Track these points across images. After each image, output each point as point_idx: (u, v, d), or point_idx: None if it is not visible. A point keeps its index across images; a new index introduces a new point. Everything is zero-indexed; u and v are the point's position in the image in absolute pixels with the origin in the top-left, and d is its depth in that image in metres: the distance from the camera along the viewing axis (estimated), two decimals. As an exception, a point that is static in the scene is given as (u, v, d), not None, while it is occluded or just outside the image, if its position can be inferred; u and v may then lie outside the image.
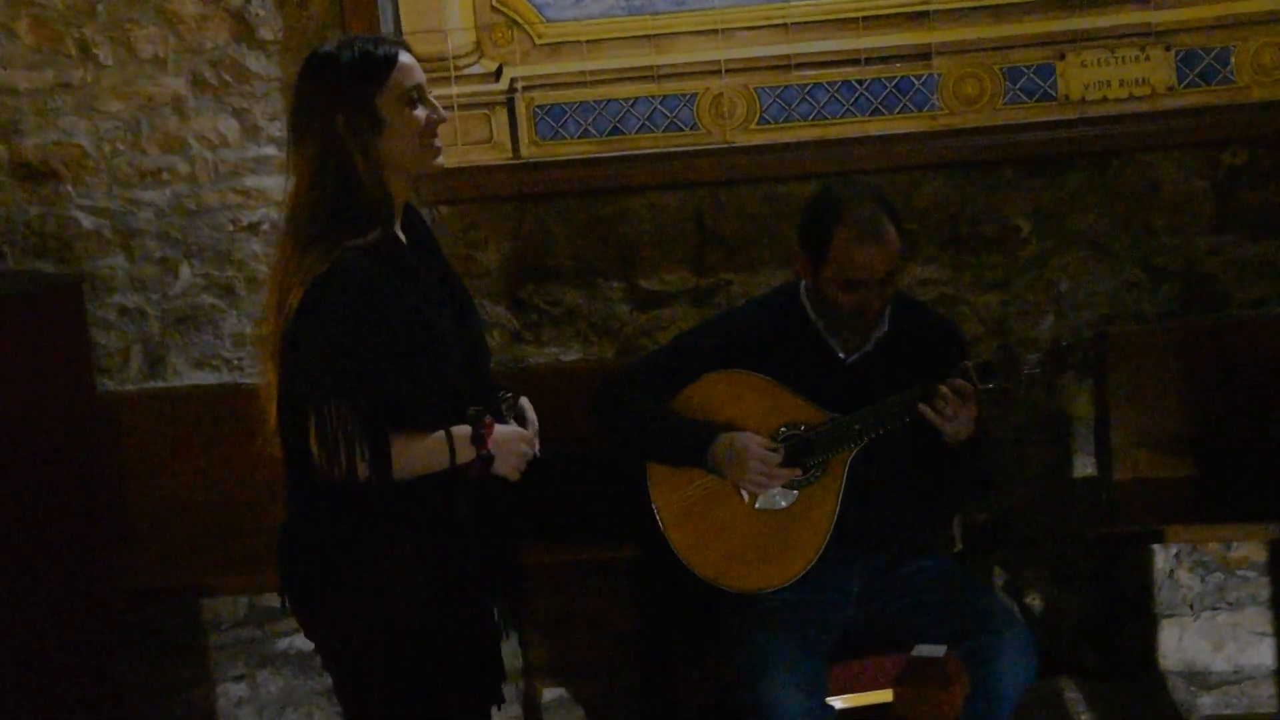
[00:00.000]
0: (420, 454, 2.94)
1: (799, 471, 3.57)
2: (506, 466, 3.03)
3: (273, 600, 4.70)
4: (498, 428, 3.01)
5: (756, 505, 3.61)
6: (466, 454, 2.97)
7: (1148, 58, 4.28)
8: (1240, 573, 4.48)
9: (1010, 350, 3.53)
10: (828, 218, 3.55)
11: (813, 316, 3.67)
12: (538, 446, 3.11)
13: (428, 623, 3.00)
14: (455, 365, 3.01)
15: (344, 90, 2.93)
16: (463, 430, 2.96)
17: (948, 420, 3.46)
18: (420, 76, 3.01)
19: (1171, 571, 4.49)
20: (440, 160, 3.04)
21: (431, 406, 2.95)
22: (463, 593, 3.05)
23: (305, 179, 2.95)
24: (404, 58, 2.99)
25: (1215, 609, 4.49)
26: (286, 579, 3.08)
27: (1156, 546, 4.43)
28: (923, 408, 3.46)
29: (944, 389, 3.45)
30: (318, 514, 2.99)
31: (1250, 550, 4.46)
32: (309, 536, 3.02)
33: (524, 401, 3.17)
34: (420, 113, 2.98)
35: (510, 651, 4.61)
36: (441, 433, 2.95)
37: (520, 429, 3.08)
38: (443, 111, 3.03)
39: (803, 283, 3.69)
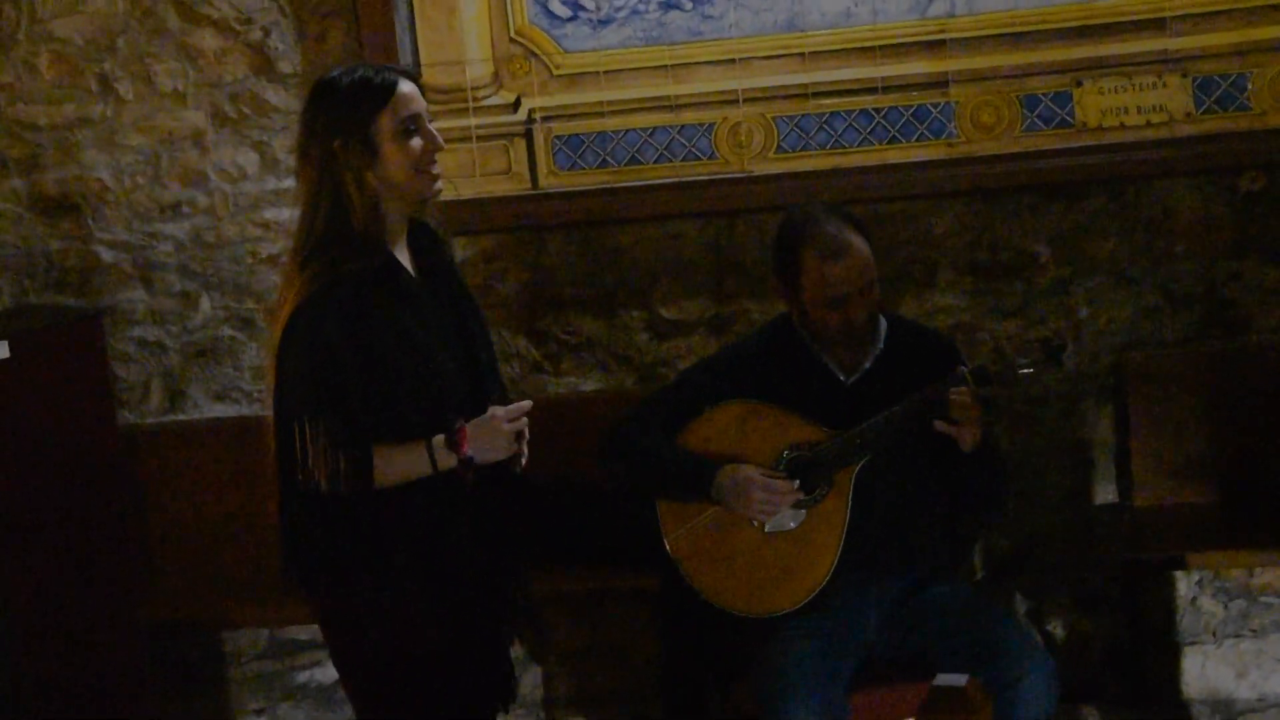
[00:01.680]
0: (399, 462, 2.98)
1: (802, 493, 3.58)
2: (493, 451, 3.03)
3: (293, 633, 4.71)
4: (469, 424, 3.01)
5: (766, 529, 3.62)
6: (447, 460, 2.98)
7: (1165, 85, 4.28)
8: (1263, 599, 4.45)
9: (1003, 354, 3.55)
10: (793, 243, 3.60)
11: (808, 342, 3.69)
12: (520, 417, 3.08)
13: (429, 633, 3.03)
14: (448, 385, 3.03)
15: (341, 116, 2.98)
16: (441, 437, 2.98)
17: (961, 427, 3.47)
18: (419, 106, 3.03)
19: (1194, 599, 4.47)
20: (438, 187, 3.07)
21: (421, 420, 2.98)
22: (463, 605, 3.07)
23: (304, 203, 3.01)
24: (404, 86, 3.02)
25: (1239, 636, 4.47)
26: (299, 580, 3.11)
27: (1179, 573, 4.41)
28: (937, 424, 3.47)
29: (954, 396, 3.46)
30: (313, 531, 3.02)
31: (1273, 577, 4.44)
32: (307, 551, 3.04)
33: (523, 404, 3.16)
34: (416, 142, 3.01)
35: (531, 683, 4.63)
36: (420, 441, 2.97)
37: (492, 410, 3.07)
38: (440, 140, 3.06)
39: (793, 312, 3.71)
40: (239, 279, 4.64)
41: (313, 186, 3.00)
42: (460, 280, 3.25)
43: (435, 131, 3.06)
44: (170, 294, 4.67)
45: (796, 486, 3.58)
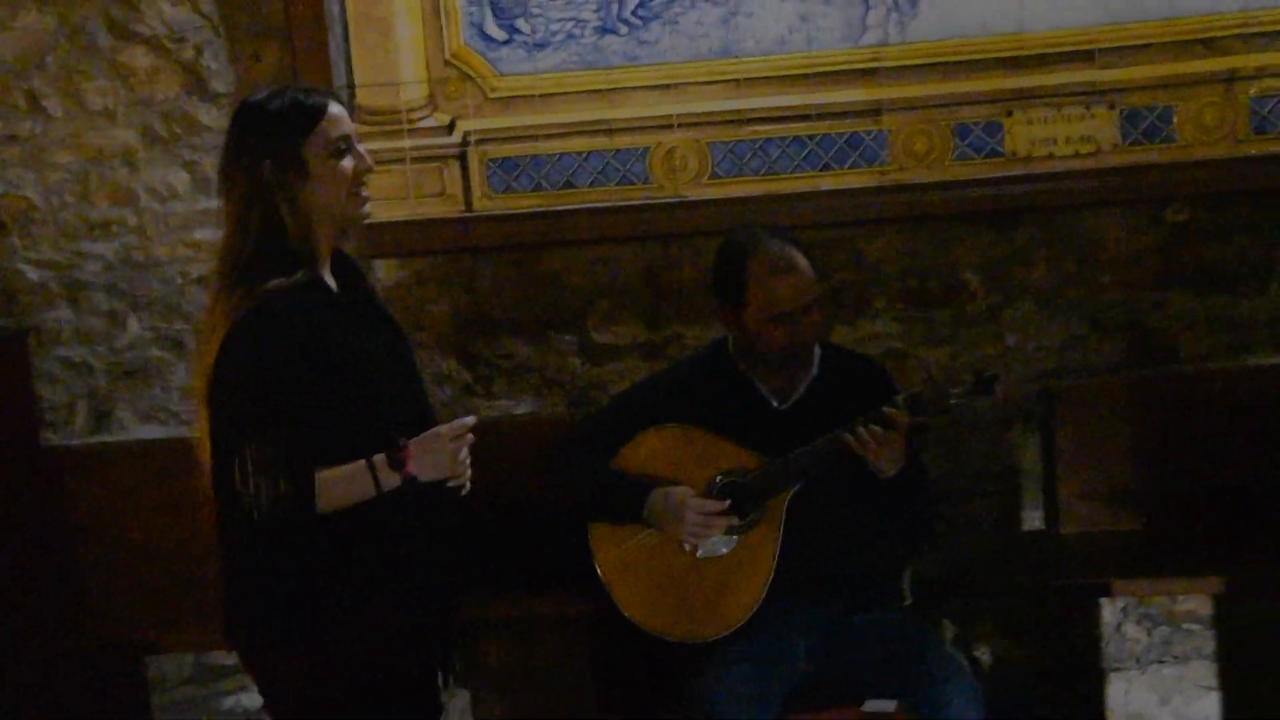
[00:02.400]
0: (341, 485, 2.94)
1: (736, 518, 3.59)
2: (436, 469, 3.00)
3: (219, 658, 4.66)
4: (413, 442, 2.99)
5: (698, 555, 3.63)
6: (390, 479, 2.96)
7: (1093, 116, 4.34)
8: (1186, 626, 4.50)
9: (935, 383, 3.58)
10: (738, 261, 3.63)
11: (743, 368, 3.71)
12: (463, 434, 3.06)
13: (366, 666, 3.00)
14: (385, 402, 3.01)
15: (272, 138, 2.96)
16: (383, 456, 2.96)
17: (871, 451, 3.49)
18: (349, 127, 3.03)
19: (1119, 625, 4.51)
20: (367, 209, 3.07)
21: (360, 444, 2.96)
22: (402, 635, 3.05)
23: (232, 225, 2.98)
24: (333, 108, 3.01)
25: (1162, 662, 4.51)
26: (231, 629, 3.07)
27: (1104, 600, 4.45)
28: (847, 438, 3.49)
29: (864, 426, 3.48)
30: (255, 559, 2.99)
31: (1195, 604, 4.49)
32: (248, 583, 3.01)
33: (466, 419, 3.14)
34: (347, 163, 3.01)
35: (460, 708, 4.60)
36: (362, 461, 2.94)
37: (436, 429, 3.04)
38: (370, 161, 3.06)
39: (730, 337, 3.72)
40: (168, 299, 4.59)
41: (240, 208, 2.97)
42: (383, 305, 3.23)
43: (365, 153, 3.05)
44: (98, 314, 4.62)
45: (728, 506, 3.59)
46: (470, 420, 3.07)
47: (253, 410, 2.89)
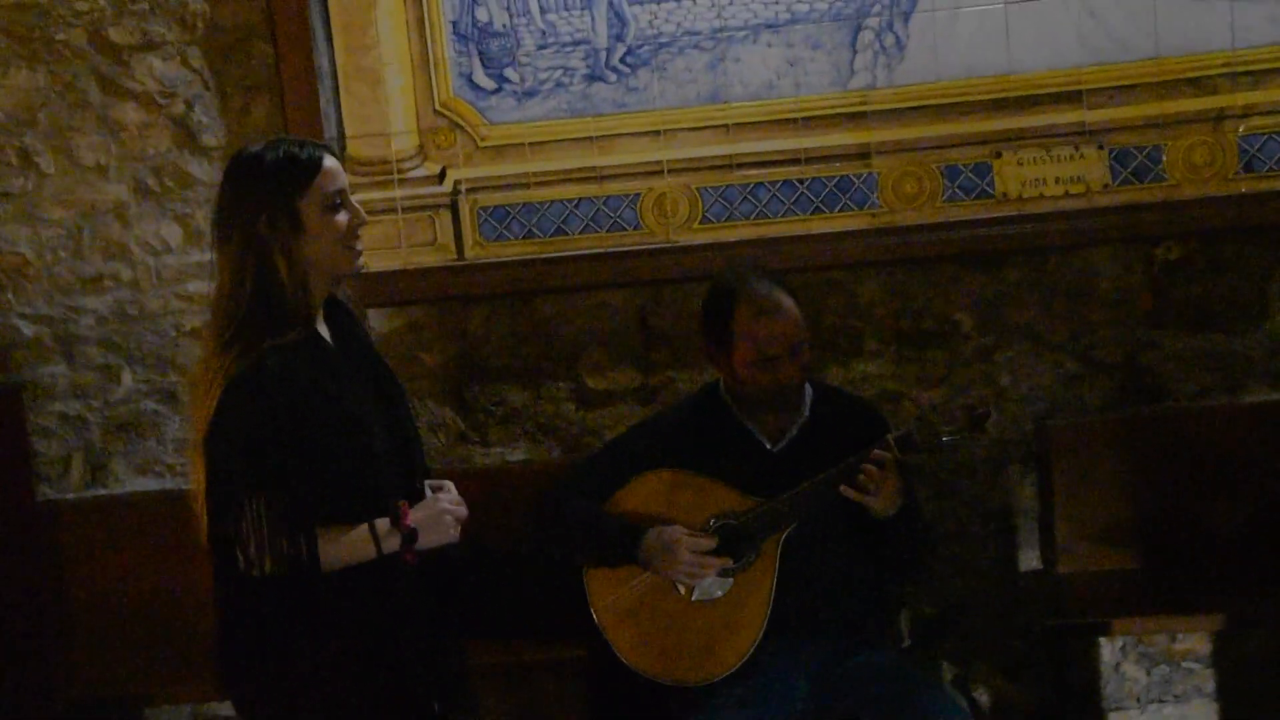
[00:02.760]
0: (344, 546, 2.96)
1: (730, 560, 3.58)
2: (438, 535, 3.04)
3: (216, 710, 4.65)
4: (414, 508, 3.02)
5: (693, 598, 3.62)
6: (391, 543, 2.97)
7: (1082, 156, 4.35)
8: (1185, 665, 4.49)
9: (926, 422, 3.58)
10: (725, 304, 3.64)
11: (735, 410, 3.71)
12: (462, 504, 3.11)
13: (361, 714, 2.99)
14: (383, 456, 3.02)
15: (267, 193, 2.96)
16: (385, 521, 2.98)
17: (871, 495, 3.49)
18: (343, 181, 3.04)
19: (1118, 664, 4.50)
20: (360, 262, 3.08)
21: (357, 500, 2.97)
22: (400, 685, 3.04)
23: (227, 279, 2.98)
24: (328, 162, 3.02)
25: (1162, 701, 4.50)
26: (226, 681, 3.07)
27: (1103, 639, 4.44)
28: (845, 489, 3.49)
29: (865, 466, 3.48)
30: (250, 614, 2.98)
31: (1195, 642, 4.48)
32: (243, 637, 3.01)
33: (444, 481, 3.18)
34: (342, 217, 3.01)
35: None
36: (364, 526, 2.96)
37: (437, 495, 3.09)
38: (364, 215, 3.07)
39: (721, 380, 3.72)
40: (162, 352, 4.60)
41: (235, 262, 2.97)
42: (377, 354, 3.24)
43: (359, 206, 3.06)
44: (92, 368, 4.63)
45: (720, 547, 3.58)
46: (450, 485, 3.13)
47: (251, 467, 2.89)
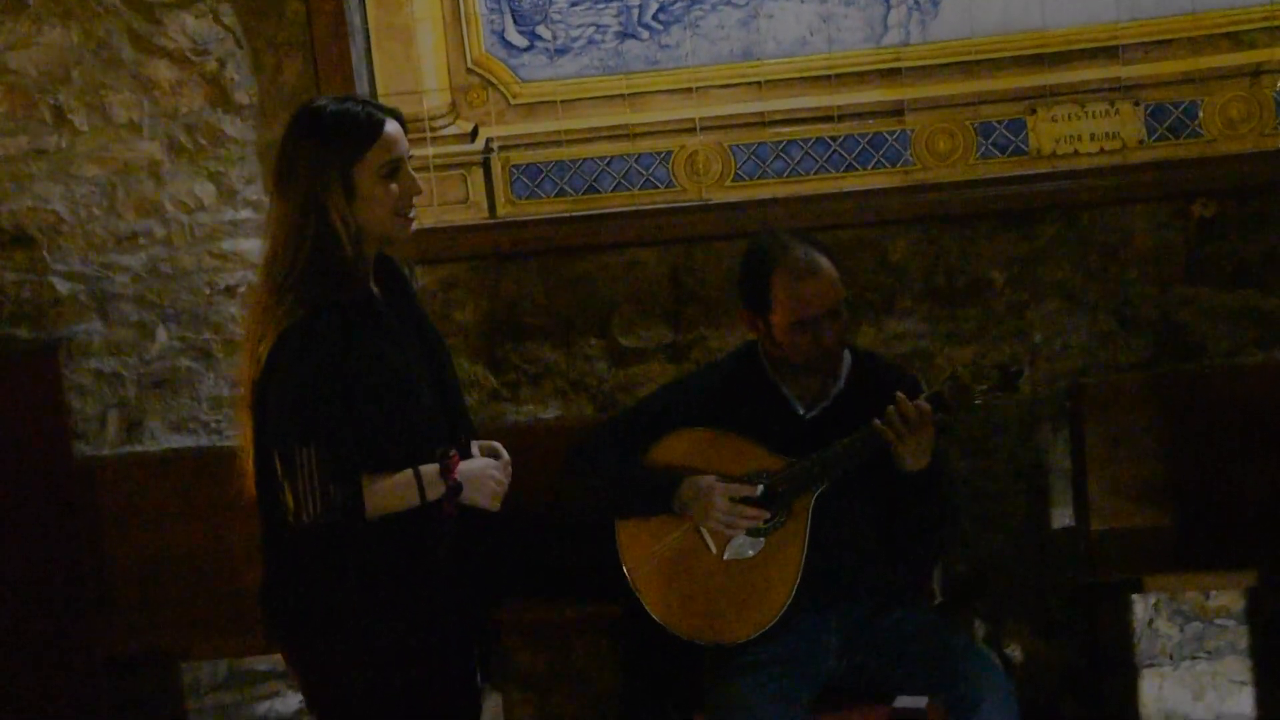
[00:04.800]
0: (390, 493, 2.99)
1: (765, 514, 3.58)
2: (480, 495, 3.07)
3: (253, 663, 4.69)
4: (464, 461, 3.04)
5: (725, 557, 3.62)
6: (436, 490, 3.00)
7: (1117, 112, 4.32)
8: (1219, 622, 4.49)
9: (959, 381, 3.56)
10: (763, 267, 3.61)
11: (771, 374, 3.70)
12: (509, 474, 3.14)
13: (408, 665, 3.04)
14: (427, 413, 3.04)
15: (326, 153, 2.96)
16: (431, 468, 3.00)
17: (900, 438, 3.47)
18: (402, 148, 3.03)
19: (1151, 621, 4.50)
20: (412, 230, 3.08)
21: (403, 453, 2.99)
22: (442, 634, 3.07)
23: (283, 236, 2.99)
24: (389, 128, 3.01)
25: (1195, 658, 4.50)
26: (273, 629, 3.10)
27: (1135, 596, 4.44)
28: (877, 424, 3.47)
29: (895, 404, 3.47)
30: (297, 562, 3.01)
31: (1228, 599, 4.48)
32: (290, 585, 3.04)
33: (496, 445, 3.21)
34: (395, 186, 3.01)
35: (492, 711, 4.61)
36: (409, 471, 2.98)
37: (489, 459, 3.12)
38: (420, 185, 3.06)
39: (760, 342, 3.72)
40: (196, 309, 4.62)
41: (292, 220, 2.97)
42: (423, 312, 3.26)
43: (415, 176, 3.06)
44: (127, 325, 4.65)
45: (760, 492, 3.58)
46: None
47: (302, 417, 2.91)
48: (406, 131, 3.08)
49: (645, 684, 3.77)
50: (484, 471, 3.10)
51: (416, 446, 3.02)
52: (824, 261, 3.59)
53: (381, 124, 3.01)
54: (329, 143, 2.97)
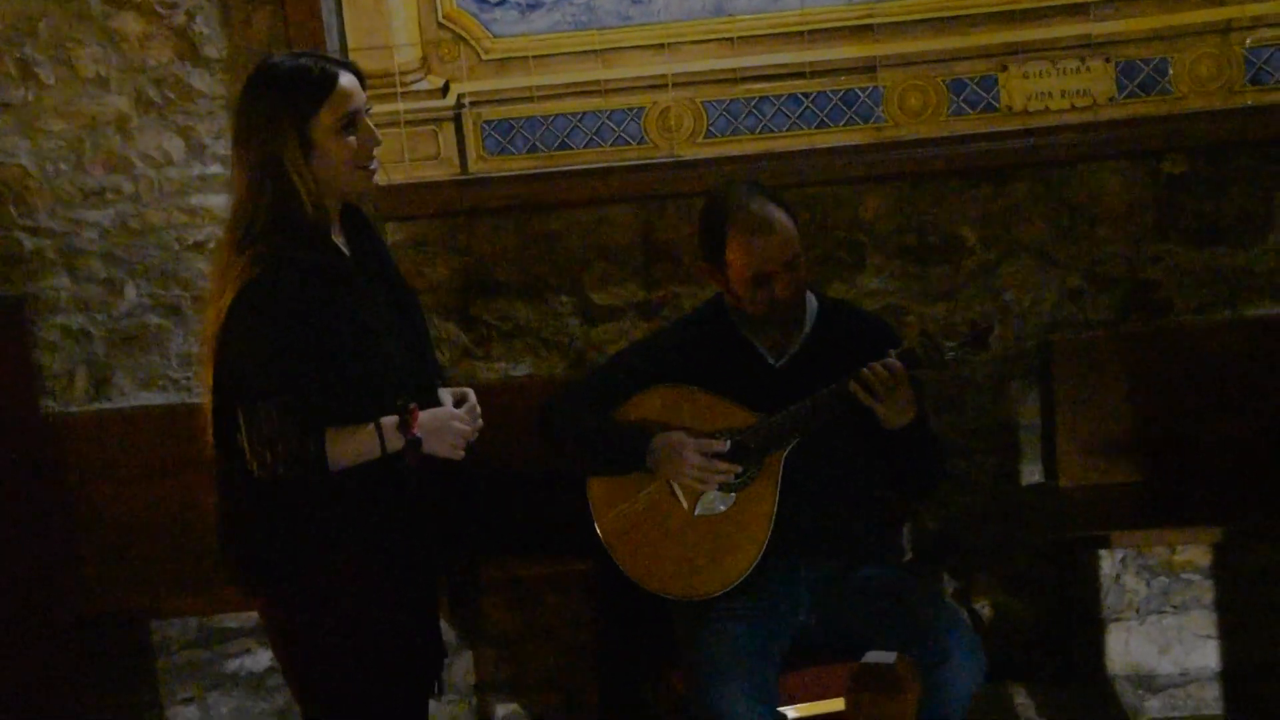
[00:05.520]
0: (350, 445, 3.00)
1: (736, 469, 3.59)
2: (441, 446, 3.08)
3: (223, 621, 4.68)
4: (424, 412, 3.04)
5: (696, 512, 3.63)
6: (397, 442, 3.00)
7: (1088, 69, 4.33)
8: (1185, 576, 4.53)
9: (930, 337, 3.57)
10: (717, 222, 3.62)
11: (738, 326, 3.71)
12: (478, 423, 3.15)
13: (372, 608, 3.06)
14: (395, 366, 3.04)
15: (280, 109, 2.96)
16: (390, 419, 3.00)
17: (879, 400, 3.49)
18: (358, 101, 3.02)
19: (1118, 576, 4.53)
20: (375, 181, 3.07)
21: (368, 406, 2.99)
22: (406, 576, 3.09)
23: (243, 191, 2.99)
24: (344, 80, 3.00)
25: (1161, 612, 4.54)
26: (236, 577, 3.12)
27: (1103, 552, 4.47)
28: (855, 388, 3.50)
29: (868, 369, 3.49)
30: (258, 513, 3.02)
31: (1194, 554, 4.51)
32: (252, 535, 3.05)
33: (467, 390, 3.21)
34: (353, 139, 2.99)
35: (463, 668, 4.63)
36: (370, 424, 2.98)
37: (450, 409, 3.12)
38: (378, 136, 3.05)
39: (724, 294, 3.73)
40: (165, 265, 4.59)
41: (253, 174, 2.98)
42: (393, 264, 3.26)
43: (374, 127, 3.04)
44: (95, 281, 4.62)
45: (731, 447, 3.59)
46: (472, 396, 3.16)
47: (264, 371, 2.92)
48: (365, 84, 3.07)
49: (618, 639, 3.78)
50: (445, 423, 3.10)
51: (383, 398, 3.03)
52: (779, 215, 3.59)
53: (335, 77, 2.99)
54: (283, 98, 2.96)
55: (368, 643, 3.08)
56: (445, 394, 3.20)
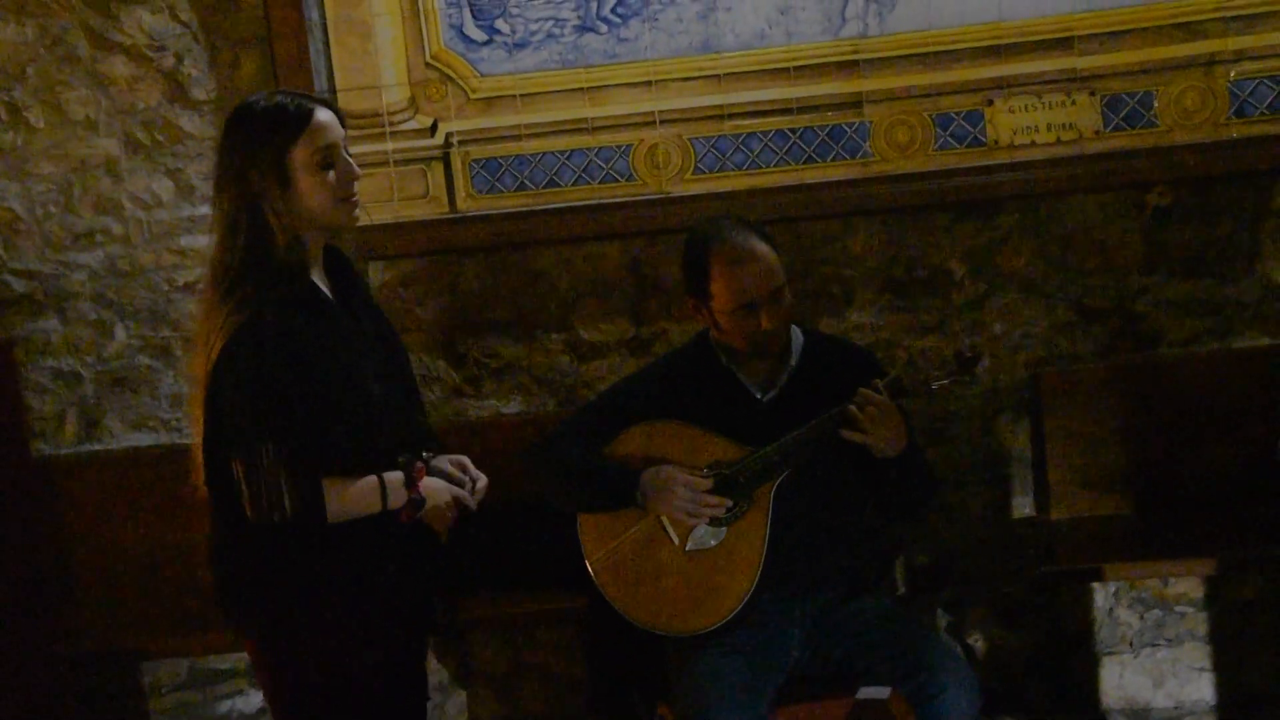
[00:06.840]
0: (353, 498, 3.00)
1: (726, 503, 3.60)
2: (434, 515, 3.07)
3: (214, 663, 4.67)
4: (427, 476, 3.05)
5: (687, 547, 3.63)
6: (399, 499, 3.00)
7: (1074, 103, 4.35)
8: (1178, 609, 4.52)
9: (917, 367, 3.58)
10: (700, 256, 3.64)
11: (724, 360, 3.71)
12: (474, 502, 3.15)
13: (361, 650, 3.05)
14: (379, 407, 3.04)
15: (256, 146, 2.96)
16: (395, 475, 3.00)
17: (870, 435, 3.50)
18: (335, 135, 3.01)
19: (1111, 609, 4.52)
20: (356, 215, 3.07)
21: (357, 449, 2.99)
22: (397, 618, 3.08)
23: (222, 232, 2.98)
24: (320, 115, 3.00)
25: (1155, 645, 4.53)
26: (235, 623, 3.11)
27: (1096, 584, 4.46)
28: (846, 433, 3.50)
29: (854, 406, 3.49)
30: (252, 558, 3.01)
31: (1187, 586, 4.51)
32: (246, 580, 3.04)
33: (464, 459, 3.21)
34: (331, 175, 2.99)
35: (456, 707, 4.61)
36: (374, 477, 2.99)
37: (450, 486, 3.12)
38: (357, 170, 3.05)
39: (708, 329, 3.73)
40: (155, 307, 4.59)
41: (229, 215, 2.98)
42: (375, 305, 3.25)
43: (352, 160, 3.04)
44: (85, 323, 4.62)
45: (720, 481, 3.59)
46: (483, 482, 3.17)
47: (258, 417, 2.90)
48: (344, 122, 3.07)
49: (610, 676, 3.77)
50: (442, 493, 3.11)
51: (370, 442, 3.02)
52: (761, 246, 3.61)
53: (310, 112, 2.99)
54: (259, 135, 2.96)
55: (357, 685, 3.07)
56: (443, 461, 3.20)
